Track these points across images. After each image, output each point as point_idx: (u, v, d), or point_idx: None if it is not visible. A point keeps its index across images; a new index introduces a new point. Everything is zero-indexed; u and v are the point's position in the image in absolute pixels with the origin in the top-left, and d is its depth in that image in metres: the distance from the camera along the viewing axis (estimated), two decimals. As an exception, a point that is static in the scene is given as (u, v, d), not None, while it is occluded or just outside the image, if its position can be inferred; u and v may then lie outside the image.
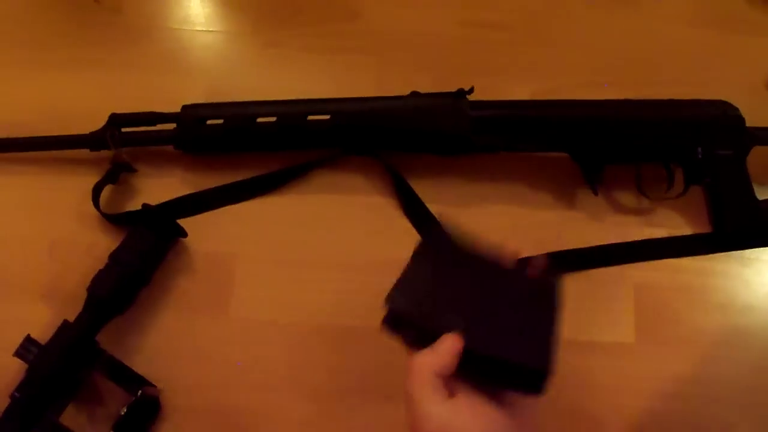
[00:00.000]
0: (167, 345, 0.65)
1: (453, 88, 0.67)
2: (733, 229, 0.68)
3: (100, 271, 0.63)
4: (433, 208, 0.69)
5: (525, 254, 0.55)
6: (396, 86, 0.69)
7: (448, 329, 0.49)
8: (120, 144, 0.68)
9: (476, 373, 0.49)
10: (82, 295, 0.62)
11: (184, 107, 0.68)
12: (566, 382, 0.63)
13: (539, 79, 0.75)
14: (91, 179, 0.68)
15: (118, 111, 0.69)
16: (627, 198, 0.71)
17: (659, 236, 0.70)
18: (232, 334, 0.65)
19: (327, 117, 0.67)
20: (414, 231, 0.69)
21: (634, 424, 0.64)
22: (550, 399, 0.62)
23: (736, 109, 0.68)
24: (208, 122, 0.68)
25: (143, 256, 0.64)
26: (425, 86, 0.69)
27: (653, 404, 0.64)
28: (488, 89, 0.68)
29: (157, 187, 0.70)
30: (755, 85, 0.76)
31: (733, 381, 0.66)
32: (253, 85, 0.75)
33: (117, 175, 0.69)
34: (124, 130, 0.68)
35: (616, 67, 0.76)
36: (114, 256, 0.64)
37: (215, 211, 0.69)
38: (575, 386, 0.64)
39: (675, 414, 0.64)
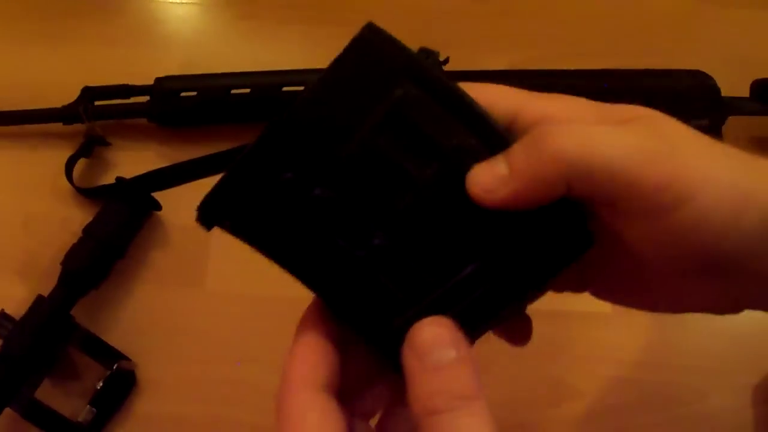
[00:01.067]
0: (143, 319, 0.65)
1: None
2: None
3: (74, 245, 0.63)
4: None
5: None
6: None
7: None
8: (93, 117, 0.67)
9: None
10: (57, 270, 0.62)
11: (157, 79, 0.68)
12: (543, 352, 0.64)
13: (515, 50, 0.74)
14: (64, 153, 0.68)
15: (92, 84, 0.68)
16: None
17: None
18: (207, 307, 0.65)
19: (301, 88, 0.66)
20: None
21: (610, 393, 0.64)
22: (526, 369, 0.63)
23: (712, 78, 0.68)
24: (182, 94, 0.67)
25: (117, 230, 0.63)
26: (401, 57, 0.68)
27: (629, 373, 0.65)
28: (466, 60, 0.67)
29: (132, 160, 0.69)
30: (730, 56, 0.76)
31: (709, 350, 0.66)
32: (228, 57, 0.74)
33: (91, 148, 0.68)
34: (97, 103, 0.68)
35: (592, 37, 0.76)
36: (88, 230, 0.63)
37: (190, 184, 0.68)
38: (552, 356, 0.64)
39: (650, 383, 0.65)
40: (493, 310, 0.33)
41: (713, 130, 0.68)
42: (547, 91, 0.35)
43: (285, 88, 0.67)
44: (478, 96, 0.33)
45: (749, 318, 0.66)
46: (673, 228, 0.30)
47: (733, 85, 0.68)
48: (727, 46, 0.76)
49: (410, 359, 0.31)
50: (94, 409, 0.60)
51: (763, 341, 0.66)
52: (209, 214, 0.34)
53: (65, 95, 0.68)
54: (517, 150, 0.31)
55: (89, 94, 0.68)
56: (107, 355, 0.62)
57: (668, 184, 0.30)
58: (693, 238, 0.31)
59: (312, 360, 0.34)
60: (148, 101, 0.68)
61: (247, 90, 0.67)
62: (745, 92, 0.69)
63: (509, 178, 0.31)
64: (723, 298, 0.35)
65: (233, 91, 0.67)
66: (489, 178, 0.31)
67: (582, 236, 0.32)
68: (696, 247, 0.31)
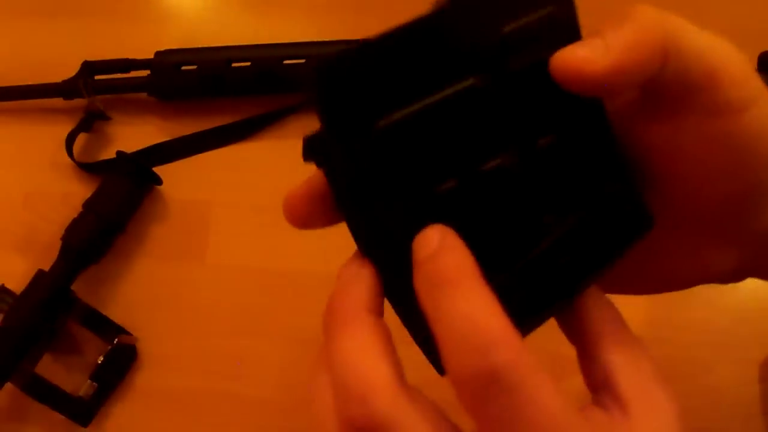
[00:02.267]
0: (143, 293, 0.65)
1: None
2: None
3: (75, 219, 0.63)
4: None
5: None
6: (375, 25, 0.68)
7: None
8: (93, 92, 0.67)
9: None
10: (58, 245, 0.62)
11: (157, 53, 0.67)
12: (545, 327, 0.63)
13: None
14: (65, 128, 0.67)
15: (92, 59, 0.67)
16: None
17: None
18: (208, 281, 0.65)
19: (302, 60, 0.66)
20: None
21: (613, 368, 0.64)
22: (527, 343, 0.63)
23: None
24: (182, 68, 0.67)
25: (118, 204, 0.63)
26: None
27: (633, 348, 0.64)
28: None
29: (132, 134, 0.69)
30: (737, 28, 0.74)
31: (711, 324, 0.65)
32: (228, 30, 0.73)
33: (91, 123, 0.68)
34: (97, 77, 0.67)
35: (594, 11, 0.75)
36: (88, 205, 0.63)
37: (191, 158, 0.68)
38: (553, 330, 0.63)
39: (654, 358, 0.64)
40: (557, 294, 0.32)
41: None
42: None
43: (286, 61, 0.66)
44: None
45: (754, 293, 0.66)
46: (735, 133, 0.30)
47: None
48: (734, 19, 0.75)
49: (414, 273, 0.29)
50: (95, 384, 0.60)
51: (767, 317, 0.66)
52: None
53: (65, 70, 0.67)
54: (611, 26, 0.29)
55: (89, 68, 0.67)
56: (108, 329, 0.62)
57: (744, 81, 0.30)
58: (748, 149, 0.30)
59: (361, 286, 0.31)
60: (148, 75, 0.67)
61: (248, 63, 0.66)
62: (752, 65, 0.68)
63: (606, 50, 0.28)
64: (731, 263, 0.35)
65: (234, 65, 0.66)
66: (586, 50, 0.28)
67: (644, 217, 0.32)
68: (744, 166, 0.31)
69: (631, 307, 0.64)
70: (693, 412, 0.63)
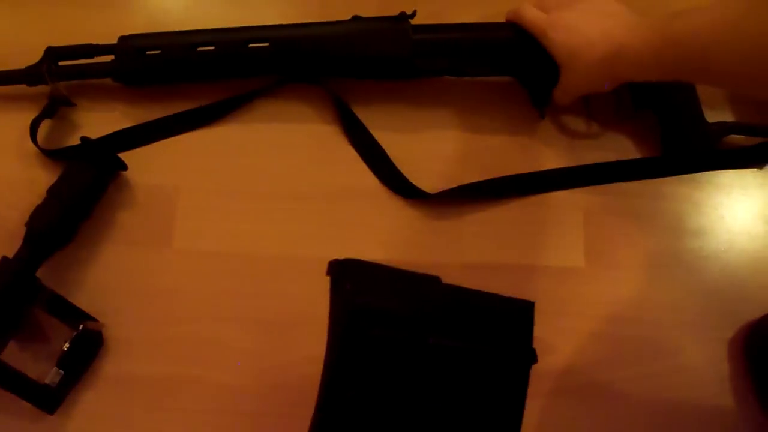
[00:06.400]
0: (109, 279, 0.64)
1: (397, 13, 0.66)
2: (683, 151, 0.68)
3: (39, 206, 0.62)
4: (379, 135, 0.68)
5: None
6: (339, 12, 0.68)
7: None
8: (57, 78, 0.66)
9: None
10: (23, 231, 0.61)
11: (121, 38, 0.67)
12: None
13: (485, 5, 0.73)
14: (29, 115, 0.67)
15: (56, 45, 0.67)
16: (576, 122, 0.70)
17: (609, 160, 0.69)
18: (175, 266, 0.64)
19: (267, 44, 0.65)
20: (359, 159, 0.68)
21: (583, 348, 0.64)
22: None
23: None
24: (147, 53, 0.66)
25: (82, 190, 0.63)
26: (370, 11, 0.67)
27: (603, 328, 0.65)
28: (436, 15, 0.67)
29: (97, 120, 0.68)
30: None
31: (684, 304, 0.66)
32: (193, 14, 0.73)
33: (55, 109, 0.67)
34: (61, 63, 0.67)
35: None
36: (52, 191, 0.62)
37: (157, 143, 0.68)
38: (538, 319, 0.64)
39: (625, 338, 0.64)
40: None
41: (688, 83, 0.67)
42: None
43: (251, 45, 0.65)
44: None
45: (722, 274, 0.66)
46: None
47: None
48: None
49: None
50: (61, 371, 0.60)
51: (736, 296, 0.66)
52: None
53: (29, 56, 0.67)
54: None
55: (53, 54, 0.66)
56: (73, 316, 0.61)
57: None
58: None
59: None
60: (112, 61, 0.67)
61: (212, 47, 0.65)
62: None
63: None
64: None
65: (198, 49, 0.65)
66: None
67: None
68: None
69: (602, 286, 0.65)
70: (665, 391, 0.64)
